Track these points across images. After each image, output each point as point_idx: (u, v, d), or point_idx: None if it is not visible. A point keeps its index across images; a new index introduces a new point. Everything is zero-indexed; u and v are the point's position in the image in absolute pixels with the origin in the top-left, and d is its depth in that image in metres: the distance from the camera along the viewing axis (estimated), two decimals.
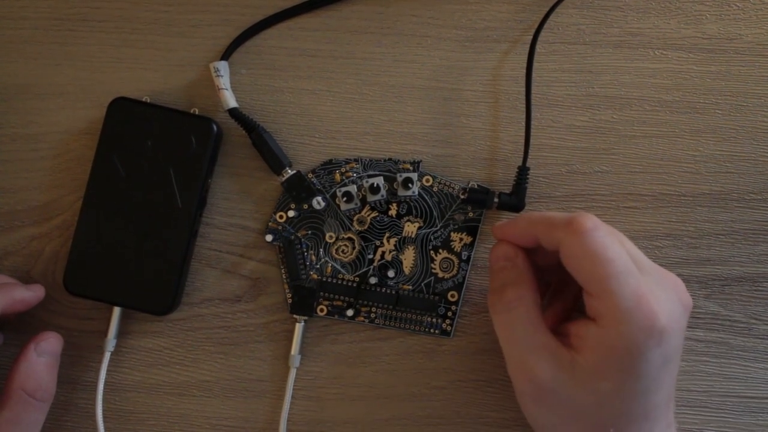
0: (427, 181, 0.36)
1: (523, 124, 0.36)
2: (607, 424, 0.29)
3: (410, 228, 0.37)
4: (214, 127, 0.36)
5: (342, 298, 0.36)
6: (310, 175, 0.37)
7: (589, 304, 0.29)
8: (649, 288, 0.28)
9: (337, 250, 0.37)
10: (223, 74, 0.36)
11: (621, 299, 0.28)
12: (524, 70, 0.36)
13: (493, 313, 0.32)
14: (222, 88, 0.36)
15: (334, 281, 0.37)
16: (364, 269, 0.37)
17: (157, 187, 0.35)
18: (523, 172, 0.36)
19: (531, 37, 0.36)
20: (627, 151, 0.37)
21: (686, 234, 0.37)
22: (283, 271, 0.37)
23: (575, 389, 0.29)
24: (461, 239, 0.36)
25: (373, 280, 0.36)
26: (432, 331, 0.37)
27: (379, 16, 0.37)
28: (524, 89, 0.36)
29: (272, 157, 0.36)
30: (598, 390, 0.29)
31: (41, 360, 0.33)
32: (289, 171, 0.36)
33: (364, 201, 0.36)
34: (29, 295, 0.34)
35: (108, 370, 0.36)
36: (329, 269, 0.37)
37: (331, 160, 0.37)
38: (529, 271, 0.32)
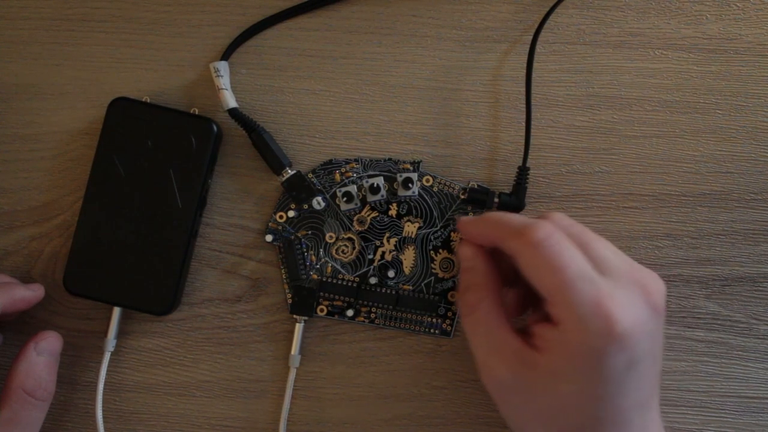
0: (427, 181, 0.36)
1: (523, 124, 0.36)
2: (573, 426, 0.29)
3: (410, 228, 0.37)
4: (214, 127, 0.36)
5: (342, 298, 0.36)
6: (310, 175, 0.37)
7: (549, 309, 0.29)
8: (608, 292, 0.28)
9: (337, 250, 0.37)
10: (223, 74, 0.36)
11: (577, 306, 0.27)
12: (524, 70, 0.36)
13: (460, 315, 0.32)
14: (222, 88, 0.36)
15: (334, 281, 0.36)
16: (364, 269, 0.37)
17: (157, 187, 0.35)
18: (523, 172, 0.36)
19: (531, 37, 0.36)
20: (627, 151, 0.37)
21: (686, 234, 0.37)
22: (283, 271, 0.37)
23: (537, 389, 0.29)
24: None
25: (373, 280, 0.36)
26: (432, 331, 0.37)
27: (379, 16, 0.37)
28: (524, 89, 0.36)
29: (272, 157, 0.36)
30: (560, 391, 0.28)
31: (40, 359, 0.33)
32: (289, 171, 0.36)
33: (364, 201, 0.36)
34: (29, 294, 0.34)
35: (108, 370, 0.36)
36: (329, 269, 0.37)
37: (331, 160, 0.37)
38: (489, 271, 0.32)
